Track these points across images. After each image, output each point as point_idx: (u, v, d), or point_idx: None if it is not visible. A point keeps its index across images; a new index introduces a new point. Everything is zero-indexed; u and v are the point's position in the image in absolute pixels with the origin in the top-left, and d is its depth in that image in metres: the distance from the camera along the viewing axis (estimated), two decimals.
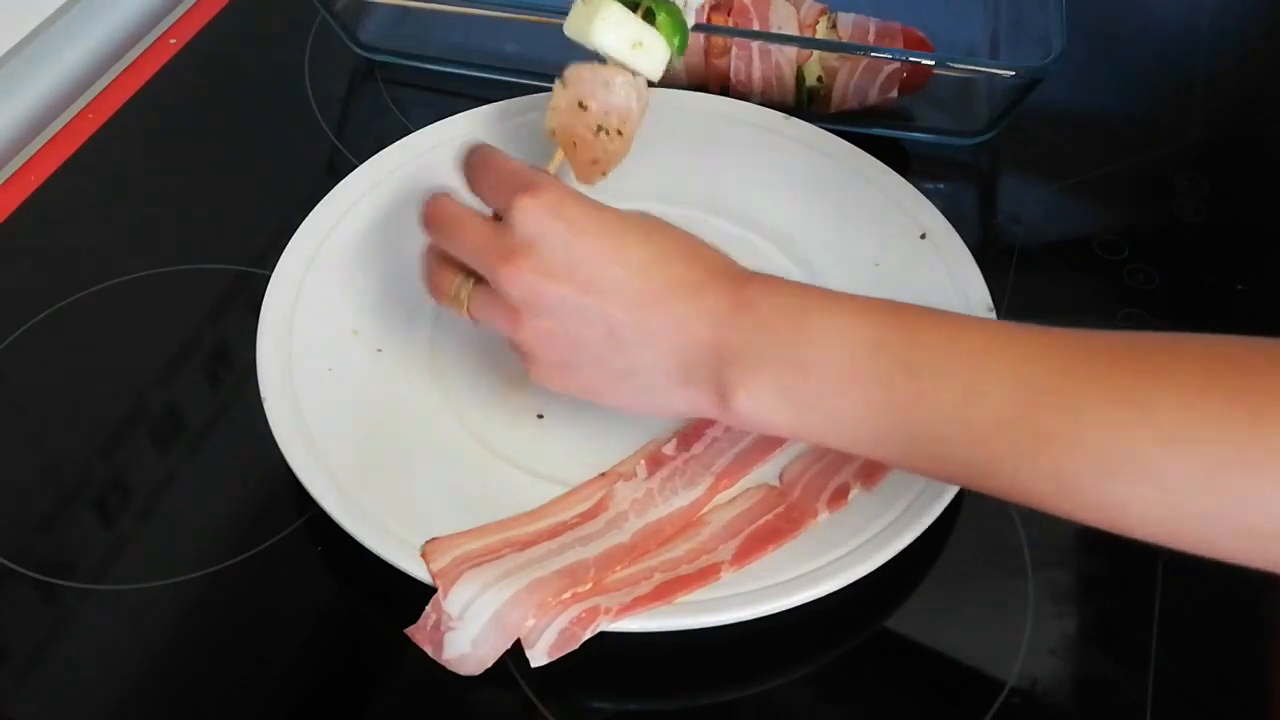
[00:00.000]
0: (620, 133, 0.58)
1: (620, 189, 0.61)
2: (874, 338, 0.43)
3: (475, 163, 0.50)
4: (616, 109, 0.57)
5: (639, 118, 0.59)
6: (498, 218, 0.48)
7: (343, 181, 0.65)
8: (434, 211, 0.50)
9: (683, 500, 0.53)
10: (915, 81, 0.73)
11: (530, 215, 0.46)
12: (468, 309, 0.50)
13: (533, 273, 0.46)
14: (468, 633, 0.47)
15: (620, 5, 0.56)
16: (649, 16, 0.57)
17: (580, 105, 0.57)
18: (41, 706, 0.49)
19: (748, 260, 0.48)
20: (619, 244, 0.46)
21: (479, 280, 0.49)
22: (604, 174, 0.59)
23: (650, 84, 0.58)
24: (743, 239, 0.65)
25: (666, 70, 0.58)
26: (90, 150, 0.72)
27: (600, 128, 0.57)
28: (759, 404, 0.45)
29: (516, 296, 0.47)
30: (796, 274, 0.64)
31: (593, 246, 0.46)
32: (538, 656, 0.47)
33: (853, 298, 0.46)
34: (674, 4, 0.58)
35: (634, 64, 0.57)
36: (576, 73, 0.57)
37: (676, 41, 0.58)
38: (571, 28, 0.57)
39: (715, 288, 0.46)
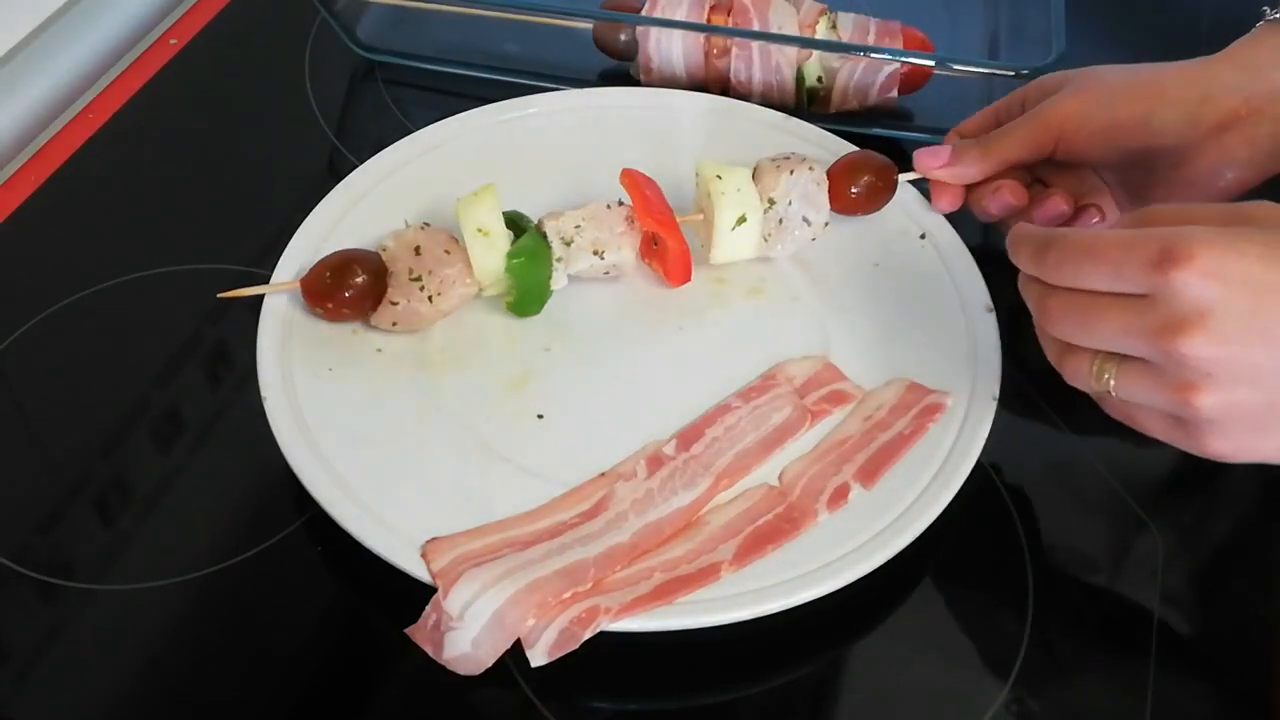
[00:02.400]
0: (431, 300, 0.58)
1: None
2: None
3: (1073, 250, 0.45)
4: (442, 276, 0.58)
5: (456, 305, 0.59)
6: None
7: (343, 181, 0.65)
8: (1059, 307, 0.46)
9: (683, 500, 0.53)
10: (915, 81, 0.73)
11: (1192, 288, 0.41)
12: (1114, 390, 0.46)
13: (1215, 344, 0.41)
14: (468, 633, 0.47)
15: (494, 195, 0.58)
16: (518, 235, 0.59)
17: (416, 249, 0.58)
18: (41, 706, 0.49)
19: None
20: None
21: (1123, 357, 0.45)
22: (393, 325, 0.58)
23: (479, 292, 0.59)
24: None
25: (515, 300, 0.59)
26: (90, 150, 0.72)
27: (418, 279, 0.57)
28: None
29: (1196, 371, 0.42)
30: (797, 274, 0.64)
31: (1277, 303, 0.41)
32: (538, 656, 0.47)
33: None
34: (542, 242, 0.59)
35: (470, 247, 0.58)
36: (431, 232, 0.58)
37: (514, 263, 0.58)
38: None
39: None
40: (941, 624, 0.53)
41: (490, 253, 0.58)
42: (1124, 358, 0.45)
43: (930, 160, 0.63)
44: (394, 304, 0.57)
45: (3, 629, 0.51)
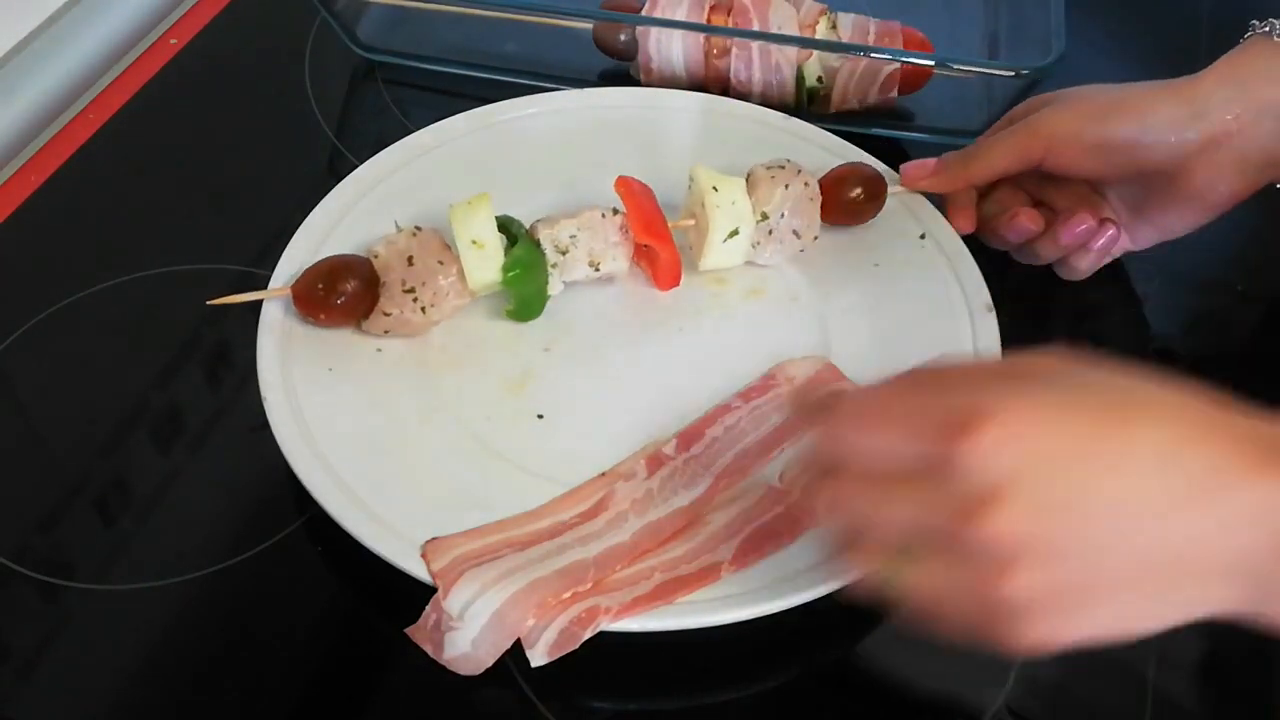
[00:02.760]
0: (424, 311, 0.57)
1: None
2: None
3: (855, 414, 0.42)
4: (435, 287, 0.57)
5: (449, 314, 0.59)
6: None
7: (343, 181, 0.65)
8: (844, 488, 0.41)
9: (683, 500, 0.53)
10: (915, 81, 0.73)
11: (989, 458, 0.37)
12: (910, 585, 0.40)
13: (1019, 520, 0.37)
14: (468, 633, 0.47)
15: (488, 204, 0.58)
16: (512, 243, 0.58)
17: (409, 260, 0.57)
18: (41, 706, 0.49)
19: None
20: (1115, 451, 0.37)
21: (918, 547, 0.40)
22: (385, 333, 0.58)
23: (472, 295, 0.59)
24: None
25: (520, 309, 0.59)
26: (90, 150, 0.72)
27: (411, 290, 0.57)
28: None
29: (1002, 552, 0.37)
30: (796, 275, 0.64)
31: (1086, 468, 0.37)
32: (538, 656, 0.47)
33: None
34: (536, 252, 0.58)
35: (464, 259, 0.57)
36: (424, 238, 0.58)
37: (511, 275, 0.58)
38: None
39: (1258, 474, 0.37)
40: None
41: (485, 265, 0.58)
42: (918, 547, 0.40)
43: (916, 172, 0.64)
44: (387, 314, 0.57)
45: (3, 629, 0.51)
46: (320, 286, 0.57)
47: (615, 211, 0.60)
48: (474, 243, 0.57)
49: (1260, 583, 0.37)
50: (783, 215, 0.61)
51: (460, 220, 0.58)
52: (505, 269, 0.58)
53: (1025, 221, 0.62)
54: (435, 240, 0.58)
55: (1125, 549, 0.37)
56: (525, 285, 0.59)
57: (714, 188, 0.60)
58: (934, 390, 0.40)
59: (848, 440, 0.41)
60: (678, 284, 0.62)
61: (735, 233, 0.61)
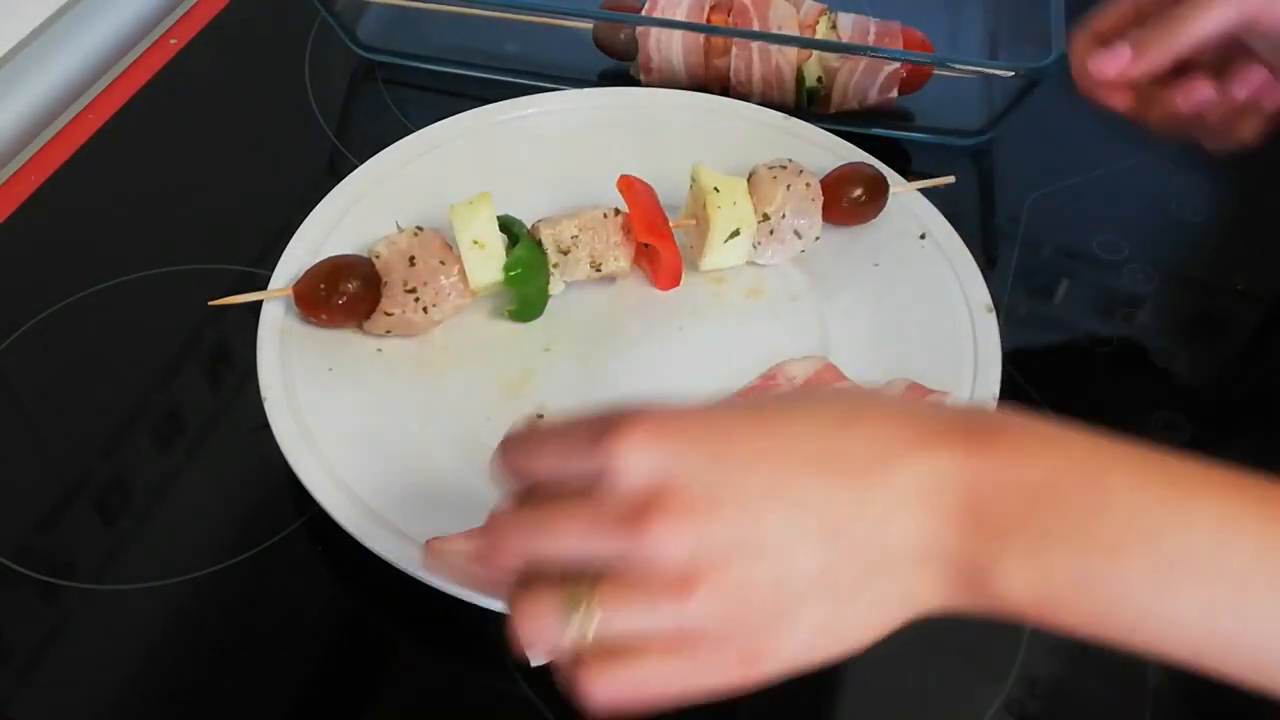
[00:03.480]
0: (426, 311, 0.57)
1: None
2: (1258, 546, 0.33)
3: (518, 447, 0.38)
4: (437, 287, 0.57)
5: (450, 314, 0.59)
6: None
7: (343, 181, 0.65)
8: (507, 524, 0.38)
9: None
10: (915, 81, 0.73)
11: (638, 459, 0.34)
12: (596, 625, 0.34)
13: (679, 518, 0.33)
14: None
15: (490, 204, 0.58)
16: (513, 243, 0.58)
17: (411, 260, 0.57)
18: (41, 706, 0.49)
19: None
20: (772, 432, 0.35)
21: (594, 579, 0.35)
22: (387, 333, 0.58)
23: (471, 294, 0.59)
24: None
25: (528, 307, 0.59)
26: (90, 150, 0.72)
27: (413, 290, 0.57)
28: (1031, 586, 0.34)
29: (673, 565, 0.33)
30: (796, 274, 0.64)
31: (741, 450, 0.34)
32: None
33: (1183, 463, 0.35)
34: (538, 250, 0.58)
35: (465, 258, 0.57)
36: (425, 239, 0.58)
37: (513, 275, 0.58)
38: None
39: (939, 442, 0.35)
40: (941, 624, 0.53)
41: (486, 265, 0.58)
42: (595, 580, 0.34)
43: (1111, 65, 0.55)
44: (388, 314, 0.57)
45: (3, 629, 0.51)
46: (322, 287, 0.57)
47: (617, 212, 0.60)
48: (475, 243, 0.57)
49: (959, 567, 0.35)
50: (784, 215, 0.61)
51: (461, 220, 0.58)
52: (507, 269, 0.58)
53: (1202, 88, 0.55)
54: (437, 240, 0.58)
55: (801, 546, 0.34)
56: (527, 285, 0.59)
57: (715, 188, 0.60)
58: (604, 414, 0.36)
59: (514, 469, 0.38)
60: (678, 284, 0.62)
61: (736, 233, 0.61)
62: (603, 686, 0.34)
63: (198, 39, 0.81)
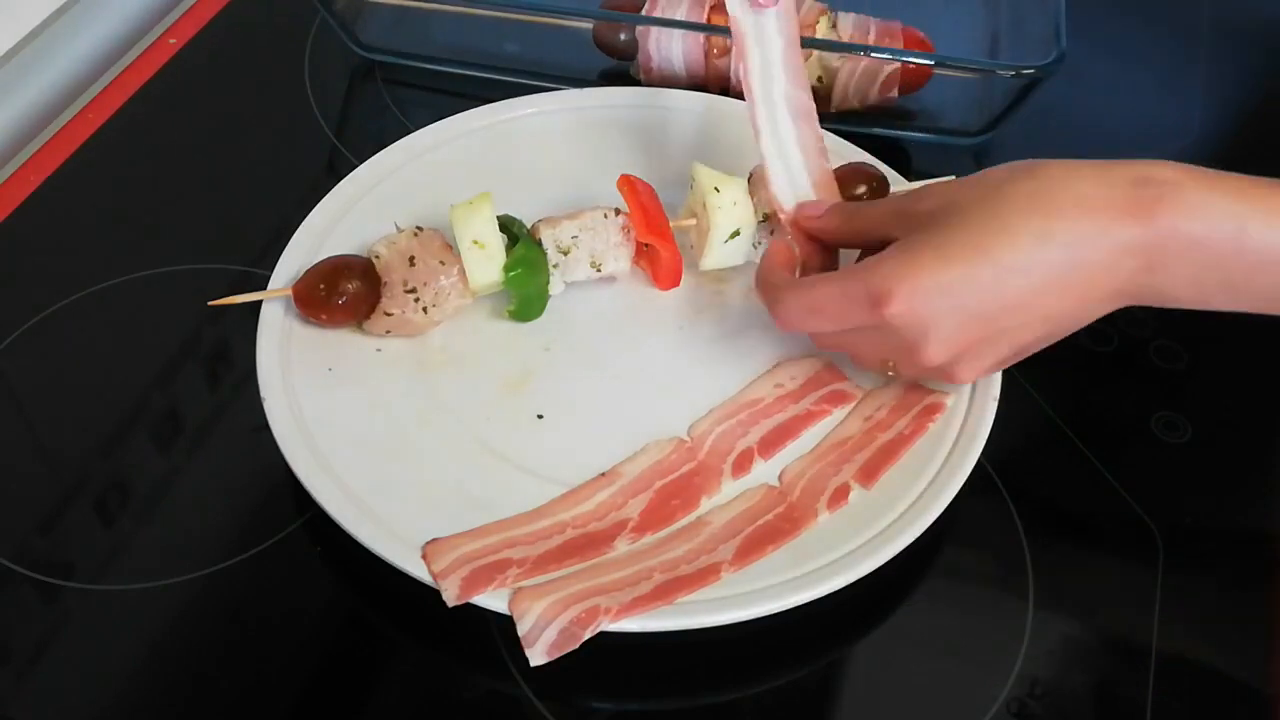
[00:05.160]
0: (426, 311, 0.57)
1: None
2: None
3: (797, 309, 0.53)
4: (437, 288, 0.57)
5: (451, 314, 0.59)
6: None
7: (343, 181, 0.65)
8: (829, 341, 0.55)
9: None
10: (915, 81, 0.73)
11: (905, 317, 0.49)
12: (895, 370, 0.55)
13: (946, 347, 0.50)
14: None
15: (490, 204, 0.57)
16: (514, 243, 0.58)
17: (411, 260, 0.57)
18: (41, 706, 0.49)
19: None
20: (995, 265, 0.48)
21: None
22: (386, 333, 0.58)
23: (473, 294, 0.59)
24: None
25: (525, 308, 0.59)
26: (90, 150, 0.72)
27: (413, 291, 0.57)
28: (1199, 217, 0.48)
29: (943, 364, 0.51)
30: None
31: (978, 286, 0.49)
32: (537, 656, 0.47)
33: None
34: (538, 251, 0.58)
35: (465, 259, 0.57)
36: (425, 239, 0.58)
37: (513, 275, 0.58)
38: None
39: (1107, 216, 0.48)
40: (942, 624, 0.53)
41: (487, 265, 0.58)
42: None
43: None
44: (388, 314, 0.57)
45: (3, 629, 0.51)
46: (322, 287, 0.57)
47: (617, 212, 0.60)
48: (475, 243, 0.57)
49: (1132, 295, 0.49)
50: None
51: (462, 220, 0.58)
52: (507, 269, 0.58)
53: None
54: (437, 240, 0.58)
55: (1031, 322, 0.50)
56: (527, 285, 0.59)
57: (715, 188, 0.60)
58: (846, 279, 0.51)
59: (798, 321, 0.53)
60: (678, 284, 0.62)
61: (737, 233, 0.61)
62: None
63: (197, 39, 0.81)
